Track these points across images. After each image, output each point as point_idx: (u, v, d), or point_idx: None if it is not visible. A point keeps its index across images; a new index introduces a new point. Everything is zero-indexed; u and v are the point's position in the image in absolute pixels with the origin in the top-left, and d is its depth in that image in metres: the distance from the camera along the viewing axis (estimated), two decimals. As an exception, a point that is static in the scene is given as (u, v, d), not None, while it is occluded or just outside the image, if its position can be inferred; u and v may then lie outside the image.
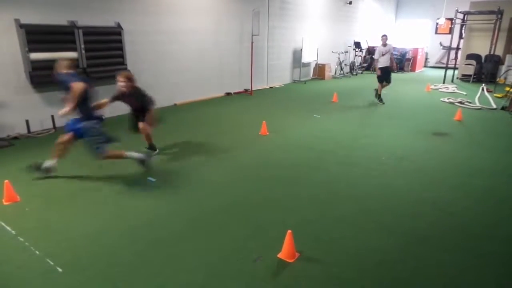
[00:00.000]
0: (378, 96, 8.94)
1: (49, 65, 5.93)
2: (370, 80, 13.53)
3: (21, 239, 3.03)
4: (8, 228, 3.20)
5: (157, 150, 5.21)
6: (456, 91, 10.78)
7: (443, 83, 12.17)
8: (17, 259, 2.77)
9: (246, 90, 10.37)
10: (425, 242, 3.06)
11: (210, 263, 2.75)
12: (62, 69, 4.04)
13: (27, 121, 5.95)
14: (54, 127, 6.27)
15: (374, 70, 9.71)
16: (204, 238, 3.08)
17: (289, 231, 2.80)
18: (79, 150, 5.26)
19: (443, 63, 15.50)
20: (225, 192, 3.98)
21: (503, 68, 12.30)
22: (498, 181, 4.35)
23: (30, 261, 2.74)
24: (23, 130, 5.94)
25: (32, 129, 6.03)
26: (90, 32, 6.43)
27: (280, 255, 2.81)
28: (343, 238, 3.10)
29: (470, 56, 13.03)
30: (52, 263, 2.72)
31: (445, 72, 12.65)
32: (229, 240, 3.05)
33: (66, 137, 4.19)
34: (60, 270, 2.65)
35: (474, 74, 12.75)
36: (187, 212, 3.54)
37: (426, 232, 3.22)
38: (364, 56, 16.65)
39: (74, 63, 5.47)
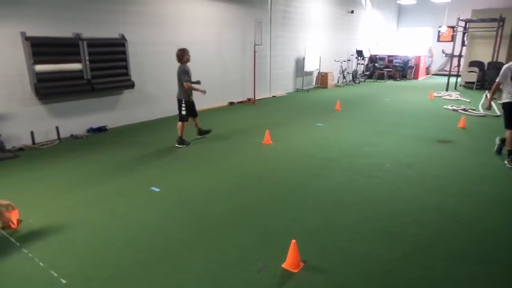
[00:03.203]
0: (509, 152, 5.14)
1: (54, 77, 6.05)
2: (373, 88, 13.56)
3: (25, 250, 3.03)
4: (12, 239, 3.20)
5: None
6: (460, 98, 10.76)
7: (446, 90, 12.16)
8: (20, 271, 2.76)
9: (249, 99, 10.40)
10: (431, 250, 3.03)
11: (214, 273, 2.73)
12: None
13: (32, 133, 6.00)
14: (59, 138, 6.32)
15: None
16: (208, 248, 3.07)
17: (294, 240, 2.78)
18: (81, 160, 5.29)
19: (446, 71, 15.51)
20: (228, 201, 3.97)
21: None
22: (503, 188, 4.31)
23: (34, 273, 2.74)
24: (28, 142, 5.98)
25: (37, 140, 6.08)
26: (95, 43, 6.51)
27: (284, 265, 2.79)
28: (348, 247, 3.08)
29: (472, 63, 13.03)
30: (56, 274, 2.71)
31: (448, 79, 12.65)
32: (233, 250, 3.03)
33: None
34: (64, 281, 2.64)
35: (477, 81, 12.74)
36: (190, 221, 3.53)
37: (432, 239, 3.18)
38: (367, 65, 16.71)
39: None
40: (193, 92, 6.07)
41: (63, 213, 3.69)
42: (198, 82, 6.17)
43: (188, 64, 5.87)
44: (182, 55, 5.75)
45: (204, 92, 6.07)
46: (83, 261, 2.88)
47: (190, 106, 6.06)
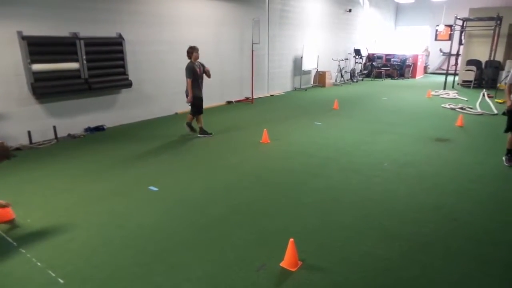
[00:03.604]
0: (507, 151, 5.12)
1: (51, 76, 6.03)
2: (371, 87, 13.57)
3: (22, 250, 3.02)
4: (9, 239, 3.19)
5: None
6: (457, 97, 10.78)
7: (444, 89, 12.18)
8: (18, 271, 2.76)
9: (247, 98, 10.40)
10: (429, 248, 3.04)
11: (212, 272, 2.73)
12: None
13: (29, 132, 5.98)
14: (56, 137, 6.30)
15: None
16: (206, 247, 3.07)
17: (291, 239, 2.78)
18: (78, 160, 5.28)
19: (443, 69, 15.55)
20: (226, 200, 3.97)
21: (503, 74, 12.31)
22: (500, 186, 4.33)
23: (31, 273, 2.73)
24: (25, 141, 5.96)
25: (34, 140, 6.06)
26: (92, 43, 6.48)
27: (282, 264, 2.79)
28: (346, 245, 3.08)
29: (470, 62, 13.06)
30: (53, 274, 2.70)
31: (446, 78, 12.67)
32: (231, 249, 3.03)
33: None
34: (61, 281, 2.63)
35: (475, 80, 12.76)
36: (189, 220, 3.53)
37: (429, 238, 3.19)
38: (365, 63, 16.72)
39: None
40: (203, 88, 6.50)
41: (61, 213, 3.68)
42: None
43: (186, 63, 6.03)
44: (191, 52, 6.17)
45: (190, 101, 6.31)
46: (81, 261, 2.88)
47: (200, 103, 6.41)
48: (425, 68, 17.90)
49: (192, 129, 6.61)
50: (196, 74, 6.20)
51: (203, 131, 6.59)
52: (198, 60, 6.29)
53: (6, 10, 5.52)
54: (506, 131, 5.11)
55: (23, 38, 5.62)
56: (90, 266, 2.81)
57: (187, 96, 6.34)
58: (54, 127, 6.28)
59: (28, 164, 5.10)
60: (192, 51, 6.15)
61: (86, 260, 2.89)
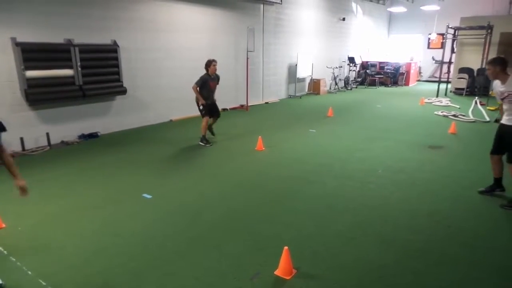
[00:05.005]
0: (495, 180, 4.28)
1: (45, 82, 6.00)
2: (365, 94, 13.67)
3: (13, 259, 2.97)
4: (0, 248, 3.14)
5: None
6: (450, 104, 10.89)
7: (437, 96, 12.31)
8: (8, 280, 2.71)
9: (242, 106, 10.42)
10: (423, 254, 3.04)
11: (207, 281, 2.71)
12: None
13: (21, 139, 5.92)
14: (49, 144, 6.25)
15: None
16: (201, 255, 3.04)
17: (286, 247, 2.77)
18: (72, 167, 5.24)
19: (436, 77, 15.71)
20: (221, 208, 3.95)
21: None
22: (492, 193, 4.35)
23: (22, 282, 2.69)
24: (18, 148, 5.90)
25: (27, 146, 6.00)
26: (86, 49, 6.48)
27: (277, 272, 2.77)
28: (340, 252, 3.08)
29: (462, 70, 13.22)
30: (44, 283, 2.66)
31: (438, 86, 12.81)
32: (225, 257, 3.01)
33: None
34: (52, 290, 2.59)
35: (467, 88, 12.91)
36: (182, 228, 3.50)
37: (424, 244, 3.20)
38: (359, 71, 16.86)
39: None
40: (215, 94, 6.66)
41: (53, 221, 3.63)
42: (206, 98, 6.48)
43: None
44: (207, 65, 6.36)
45: (202, 104, 6.35)
46: (73, 269, 2.84)
47: (210, 107, 6.53)
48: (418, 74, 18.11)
49: (211, 131, 6.86)
50: (207, 85, 6.32)
51: (211, 131, 6.84)
52: (216, 73, 6.46)
53: (0, 16, 5.51)
54: (493, 152, 4.22)
55: (17, 44, 5.61)
56: (82, 275, 2.77)
57: (197, 104, 6.40)
58: (48, 134, 6.23)
59: (20, 171, 5.02)
60: (208, 64, 6.33)
61: (78, 268, 2.85)
